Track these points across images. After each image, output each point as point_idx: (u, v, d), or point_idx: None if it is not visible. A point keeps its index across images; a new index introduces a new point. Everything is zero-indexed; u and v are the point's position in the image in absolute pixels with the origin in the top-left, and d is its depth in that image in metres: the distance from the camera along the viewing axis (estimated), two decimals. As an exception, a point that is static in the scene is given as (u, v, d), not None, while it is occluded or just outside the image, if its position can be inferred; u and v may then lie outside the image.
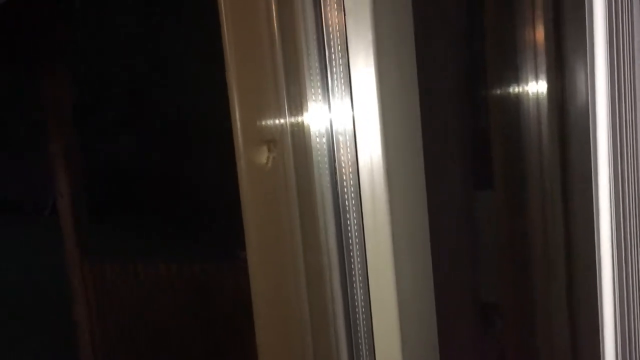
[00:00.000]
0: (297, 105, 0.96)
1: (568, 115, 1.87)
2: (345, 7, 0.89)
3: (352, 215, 0.97)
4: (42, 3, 4.39)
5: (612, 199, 0.77)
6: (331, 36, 0.92)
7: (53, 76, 4.72)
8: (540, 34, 1.89)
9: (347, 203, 0.96)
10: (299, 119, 0.96)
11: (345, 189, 0.96)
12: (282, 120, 0.95)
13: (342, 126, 0.94)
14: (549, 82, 1.81)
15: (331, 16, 0.91)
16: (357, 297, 0.99)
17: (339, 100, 0.93)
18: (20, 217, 13.41)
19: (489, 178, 1.94)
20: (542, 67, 1.83)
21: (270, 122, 0.95)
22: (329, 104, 0.94)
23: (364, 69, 0.89)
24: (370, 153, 0.92)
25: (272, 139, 0.95)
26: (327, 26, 0.92)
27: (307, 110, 0.96)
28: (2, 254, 10.33)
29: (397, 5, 0.95)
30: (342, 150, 0.94)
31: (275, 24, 0.95)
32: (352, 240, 0.97)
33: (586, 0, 0.79)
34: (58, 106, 4.77)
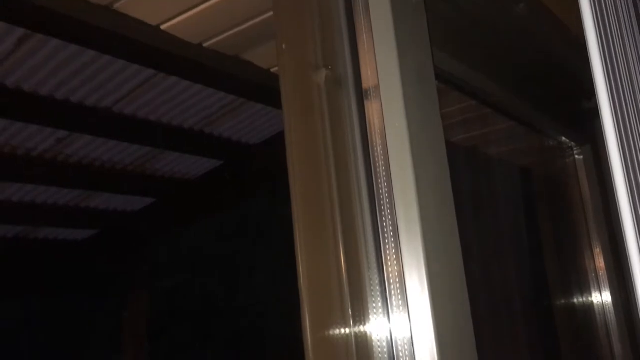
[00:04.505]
0: (361, 318, 1.09)
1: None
2: (401, 243, 1.05)
3: None
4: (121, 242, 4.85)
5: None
6: (389, 267, 1.08)
7: (128, 299, 5.02)
8: (598, 251, 1.97)
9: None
10: (362, 328, 1.08)
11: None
12: (347, 331, 1.08)
13: (401, 338, 1.04)
14: (613, 296, 1.82)
15: (389, 248, 1.08)
16: None
17: (397, 315, 1.06)
18: None
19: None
20: (604, 280, 1.87)
21: (337, 332, 1.07)
22: (389, 318, 1.07)
23: (419, 293, 1.03)
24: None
25: (338, 348, 1.06)
26: (387, 259, 1.09)
27: (369, 322, 1.08)
28: None
29: (446, 232, 1.10)
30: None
31: (342, 254, 1.12)
32: None
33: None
34: (133, 325, 4.99)
